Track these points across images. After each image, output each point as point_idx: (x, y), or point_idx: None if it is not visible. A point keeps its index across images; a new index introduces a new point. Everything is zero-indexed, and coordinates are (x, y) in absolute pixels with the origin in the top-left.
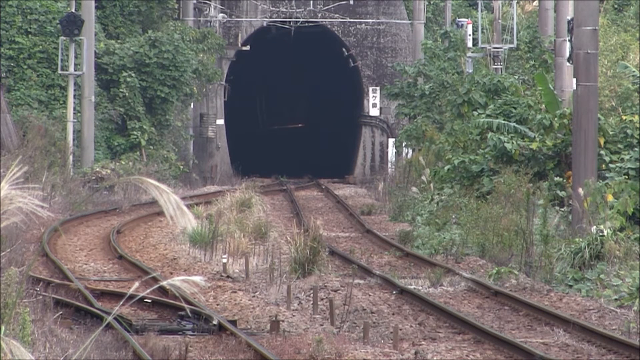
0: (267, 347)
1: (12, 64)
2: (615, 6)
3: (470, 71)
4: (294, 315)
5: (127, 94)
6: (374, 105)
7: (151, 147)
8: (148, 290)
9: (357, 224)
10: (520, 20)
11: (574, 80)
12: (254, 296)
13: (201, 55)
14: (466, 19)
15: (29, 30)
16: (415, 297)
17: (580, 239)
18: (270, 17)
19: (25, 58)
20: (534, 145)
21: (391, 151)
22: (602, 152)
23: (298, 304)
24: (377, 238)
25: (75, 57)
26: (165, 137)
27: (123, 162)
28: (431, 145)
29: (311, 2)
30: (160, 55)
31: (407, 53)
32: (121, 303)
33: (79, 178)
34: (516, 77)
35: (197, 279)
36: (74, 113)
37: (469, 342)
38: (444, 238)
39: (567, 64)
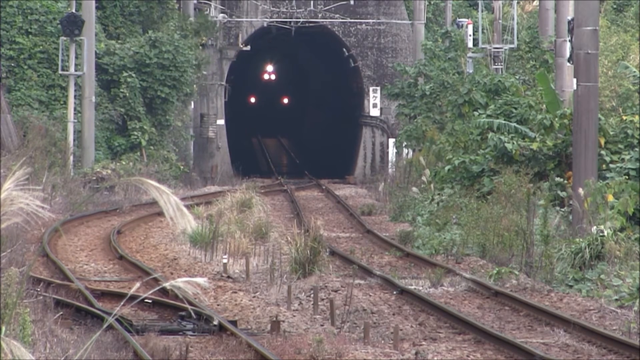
0: (267, 347)
1: (12, 64)
2: (615, 6)
3: (471, 71)
4: (294, 316)
5: (127, 94)
6: (375, 105)
7: (151, 147)
8: (150, 292)
9: (358, 224)
10: (520, 21)
11: (574, 80)
12: (254, 296)
13: (199, 48)
14: (466, 19)
15: (29, 30)
16: (415, 297)
17: (581, 239)
18: (271, 18)
19: (25, 58)
20: (534, 146)
21: (391, 151)
22: (602, 152)
23: (298, 304)
24: (377, 238)
25: (76, 58)
26: (165, 138)
27: (123, 163)
28: (432, 146)
29: (311, 2)
30: (160, 55)
31: (408, 53)
32: (122, 304)
33: (80, 178)
34: (517, 77)
35: (201, 280)
36: (75, 113)
37: (469, 342)
38: (445, 238)
39: (568, 64)
